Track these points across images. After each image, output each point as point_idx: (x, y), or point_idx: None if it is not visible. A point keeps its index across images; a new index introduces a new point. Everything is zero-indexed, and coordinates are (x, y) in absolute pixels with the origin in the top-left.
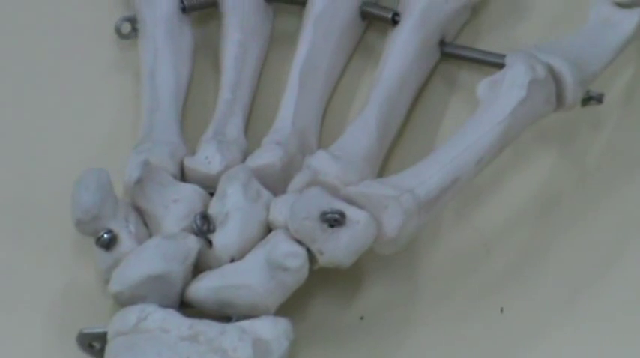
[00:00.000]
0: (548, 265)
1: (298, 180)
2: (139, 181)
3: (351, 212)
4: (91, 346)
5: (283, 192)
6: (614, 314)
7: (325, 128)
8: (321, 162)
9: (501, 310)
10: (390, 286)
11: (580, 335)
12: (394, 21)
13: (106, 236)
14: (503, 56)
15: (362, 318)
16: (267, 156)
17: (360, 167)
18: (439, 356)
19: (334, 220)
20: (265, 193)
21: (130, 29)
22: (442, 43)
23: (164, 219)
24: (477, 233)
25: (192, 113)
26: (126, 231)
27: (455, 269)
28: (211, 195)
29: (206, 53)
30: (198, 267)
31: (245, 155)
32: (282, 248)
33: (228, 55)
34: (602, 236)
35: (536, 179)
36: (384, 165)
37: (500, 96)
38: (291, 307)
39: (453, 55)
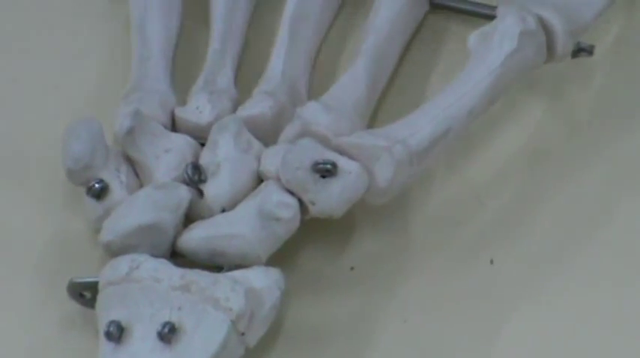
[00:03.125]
0: (538, 217)
1: (289, 131)
2: (130, 131)
3: (342, 162)
4: (81, 295)
5: (274, 142)
6: (603, 266)
7: (315, 79)
8: (312, 112)
9: (491, 261)
10: (381, 237)
11: (570, 286)
12: None
13: (97, 185)
14: (494, 8)
15: (352, 269)
16: (257, 106)
17: (351, 118)
18: (429, 307)
19: (326, 170)
20: (256, 143)
21: None
22: None
23: (155, 168)
24: (468, 184)
25: (182, 64)
26: (117, 181)
27: (446, 221)
28: (202, 145)
29: (196, 4)
30: (190, 217)
31: (236, 105)
32: (274, 198)
33: (218, 5)
34: (592, 187)
35: (527, 131)
36: (375, 116)
37: (491, 47)
38: (282, 257)
39: (443, 7)
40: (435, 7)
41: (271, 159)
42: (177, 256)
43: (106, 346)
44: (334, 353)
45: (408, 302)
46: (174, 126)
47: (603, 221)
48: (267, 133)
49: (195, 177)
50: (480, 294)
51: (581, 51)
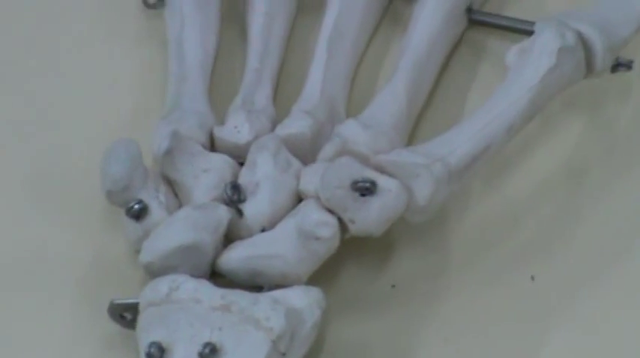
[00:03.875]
0: (577, 233)
1: (328, 149)
2: (169, 151)
3: (382, 180)
4: (122, 317)
5: (313, 161)
6: None
7: (353, 97)
8: (351, 130)
9: (532, 278)
10: (421, 254)
11: (611, 303)
12: None
13: (136, 206)
14: (532, 23)
15: (393, 287)
16: (296, 124)
17: (389, 135)
18: (470, 325)
19: (365, 189)
20: (295, 162)
21: None
22: (469, 10)
23: (194, 189)
24: (506, 202)
25: (219, 83)
26: (156, 202)
27: (485, 238)
28: (241, 164)
29: (233, 22)
30: (229, 237)
31: (274, 124)
32: (314, 217)
33: (255, 23)
34: (632, 204)
35: (566, 147)
36: (413, 133)
37: (530, 63)
38: (322, 276)
39: (481, 22)
40: (473, 23)
41: (310, 178)
42: (217, 276)
43: None
44: None
45: (449, 321)
46: (212, 145)
47: None
48: (306, 152)
49: (235, 196)
50: (520, 312)
51: (620, 66)
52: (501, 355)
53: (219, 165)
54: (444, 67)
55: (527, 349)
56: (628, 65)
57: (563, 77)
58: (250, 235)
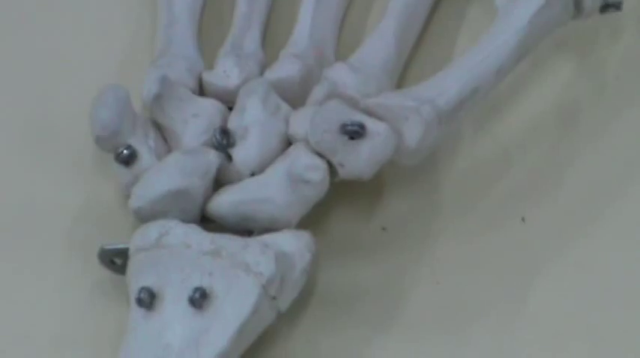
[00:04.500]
0: (568, 174)
1: (317, 93)
2: (158, 97)
3: (371, 123)
4: (112, 262)
5: (302, 104)
6: (634, 223)
7: (342, 40)
8: (340, 74)
9: (523, 219)
10: (411, 197)
11: (601, 244)
12: None
13: (125, 152)
14: None
15: (384, 229)
16: (285, 68)
17: (378, 78)
18: (461, 266)
19: (354, 132)
20: (284, 106)
21: None
22: None
23: (183, 134)
24: (497, 144)
25: (209, 28)
26: (145, 147)
27: (475, 180)
28: (230, 109)
29: None
30: (219, 182)
31: (263, 68)
32: (303, 161)
33: None
34: (622, 144)
35: (556, 88)
36: (403, 76)
37: (519, 4)
38: (312, 220)
39: None
40: None
41: (299, 122)
42: (207, 221)
43: (136, 312)
44: (366, 315)
45: (440, 263)
46: (202, 90)
47: (634, 177)
48: (295, 96)
49: (224, 141)
50: (512, 253)
51: (609, 6)
52: (493, 296)
53: (208, 109)
54: (433, 9)
55: (519, 290)
56: (617, 5)
57: (552, 18)
58: (240, 180)
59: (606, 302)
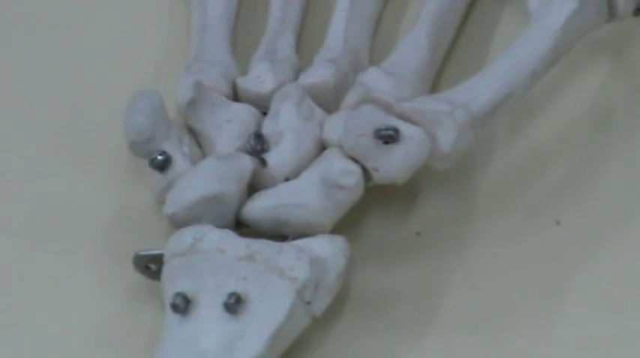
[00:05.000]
0: (602, 178)
1: (351, 97)
2: (192, 102)
3: (405, 128)
4: (147, 268)
5: (336, 109)
6: None
7: (376, 45)
8: (374, 78)
9: (558, 223)
10: (446, 201)
11: (637, 247)
12: None
13: (159, 157)
14: None
15: (418, 234)
16: (319, 73)
17: (412, 83)
18: (496, 271)
19: (388, 136)
20: (318, 111)
21: None
22: None
23: (218, 139)
24: (531, 147)
25: (243, 33)
26: (179, 152)
27: (509, 184)
28: (264, 114)
29: None
30: (253, 187)
31: (297, 73)
32: (337, 165)
33: None
34: None
35: (590, 92)
36: (437, 80)
37: (552, 8)
38: (346, 225)
39: None
40: None
41: (334, 127)
42: (241, 226)
43: (172, 318)
44: (402, 319)
45: (475, 267)
46: (236, 96)
47: None
48: (329, 101)
49: (258, 146)
50: (546, 256)
51: None
52: (528, 299)
53: (242, 115)
54: (467, 13)
55: (554, 293)
56: None
57: (586, 21)
58: (274, 185)
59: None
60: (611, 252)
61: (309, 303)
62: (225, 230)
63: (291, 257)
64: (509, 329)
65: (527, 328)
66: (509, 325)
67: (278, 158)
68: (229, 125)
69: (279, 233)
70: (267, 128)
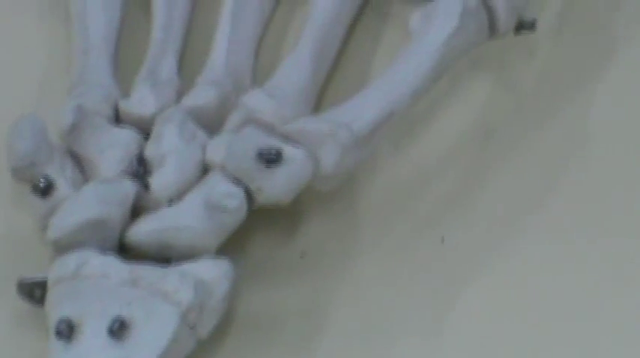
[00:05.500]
0: (487, 193)
1: (233, 120)
2: (74, 126)
3: (287, 149)
4: (31, 294)
5: (219, 131)
6: (553, 238)
7: (259, 66)
8: (256, 100)
9: (442, 240)
10: (330, 221)
11: (518, 263)
12: None
13: (42, 183)
14: None
15: (302, 255)
16: (201, 96)
17: (295, 103)
18: (382, 289)
19: (271, 158)
20: (201, 134)
21: None
22: None
23: (100, 163)
24: (415, 164)
25: (125, 55)
26: (62, 177)
27: (394, 202)
28: (147, 137)
29: None
30: (137, 211)
31: (180, 95)
32: (220, 188)
33: None
34: (538, 164)
35: (472, 108)
36: (319, 100)
37: (433, 27)
38: (231, 247)
39: None
40: None
41: (216, 149)
42: (125, 250)
43: (56, 344)
44: (287, 340)
45: (360, 286)
46: (118, 118)
47: (550, 196)
48: (212, 123)
49: (141, 169)
50: (432, 273)
51: (523, 27)
52: (413, 318)
53: (124, 138)
54: (349, 32)
55: (439, 310)
56: (531, 26)
57: (467, 40)
58: (157, 208)
59: (525, 322)
60: (495, 267)
61: (194, 327)
62: (109, 255)
63: (175, 280)
64: (395, 348)
65: (413, 345)
66: (395, 344)
67: (161, 181)
68: (112, 149)
69: (164, 256)
70: (150, 151)
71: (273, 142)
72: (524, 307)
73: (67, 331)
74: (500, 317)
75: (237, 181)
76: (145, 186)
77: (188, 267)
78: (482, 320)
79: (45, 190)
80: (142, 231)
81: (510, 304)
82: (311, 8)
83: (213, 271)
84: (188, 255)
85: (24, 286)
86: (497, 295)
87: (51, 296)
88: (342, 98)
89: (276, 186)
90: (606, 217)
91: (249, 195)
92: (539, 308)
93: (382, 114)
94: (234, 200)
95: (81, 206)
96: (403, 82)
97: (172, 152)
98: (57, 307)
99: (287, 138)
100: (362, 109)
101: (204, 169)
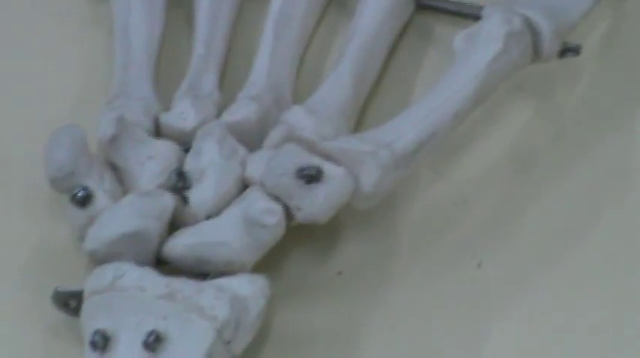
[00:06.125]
0: (525, 220)
1: (274, 136)
2: (114, 138)
3: (327, 167)
4: (66, 305)
5: (259, 147)
6: (591, 267)
7: (300, 83)
8: (297, 117)
9: (479, 265)
10: (368, 241)
11: (558, 289)
12: None
13: (80, 193)
14: (479, 8)
15: (339, 274)
16: (242, 111)
17: (335, 121)
18: (417, 311)
19: (311, 176)
20: (241, 149)
21: None
22: None
23: (139, 176)
24: (454, 187)
25: (166, 69)
26: (101, 189)
27: (431, 224)
28: (187, 151)
29: (180, 7)
30: (175, 225)
31: (220, 110)
32: (259, 205)
33: (201, 8)
34: (579, 190)
35: (513, 133)
36: (360, 119)
37: (477, 49)
38: (268, 264)
39: (429, 7)
40: (420, 8)
41: (256, 165)
42: (162, 264)
43: (90, 355)
44: None
45: (396, 308)
46: (158, 132)
47: (591, 223)
48: (251, 138)
49: (180, 183)
50: (467, 298)
51: (567, 51)
52: (448, 342)
53: (164, 152)
54: (391, 52)
55: (475, 335)
56: (576, 50)
57: (511, 63)
58: (195, 222)
59: (563, 348)
60: (532, 293)
61: (228, 343)
62: (146, 268)
63: (211, 296)
64: None
65: None
66: None
67: (200, 196)
68: (151, 162)
69: (200, 271)
70: (189, 165)
71: (313, 160)
72: (561, 335)
73: (101, 343)
74: (536, 344)
75: (276, 198)
76: (184, 200)
77: (224, 282)
78: (518, 347)
79: (83, 201)
80: (180, 245)
81: (547, 332)
82: (353, 26)
83: (249, 287)
84: (225, 270)
85: (60, 296)
86: (533, 322)
87: (86, 307)
88: (383, 118)
89: (314, 204)
90: None
91: (287, 212)
92: (577, 336)
93: (424, 135)
94: (272, 217)
95: (119, 218)
96: (446, 103)
97: (212, 167)
98: (92, 318)
99: (327, 156)
100: (403, 129)
101: (244, 185)
